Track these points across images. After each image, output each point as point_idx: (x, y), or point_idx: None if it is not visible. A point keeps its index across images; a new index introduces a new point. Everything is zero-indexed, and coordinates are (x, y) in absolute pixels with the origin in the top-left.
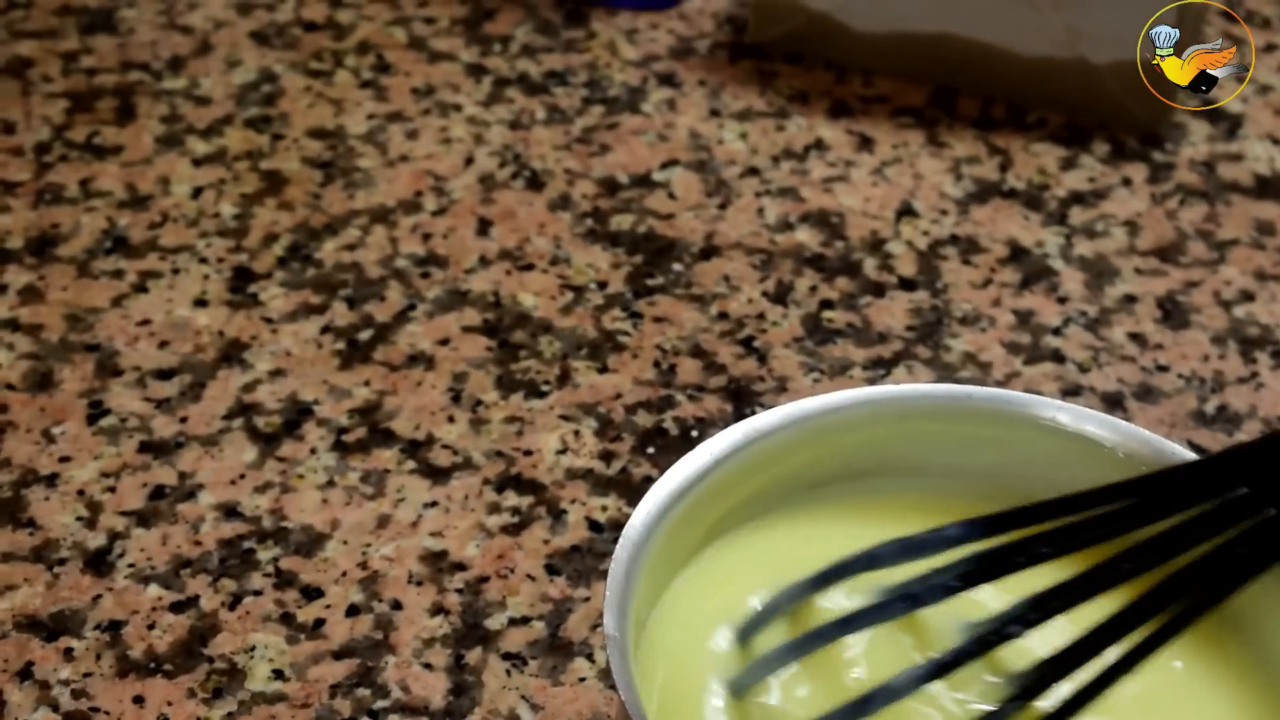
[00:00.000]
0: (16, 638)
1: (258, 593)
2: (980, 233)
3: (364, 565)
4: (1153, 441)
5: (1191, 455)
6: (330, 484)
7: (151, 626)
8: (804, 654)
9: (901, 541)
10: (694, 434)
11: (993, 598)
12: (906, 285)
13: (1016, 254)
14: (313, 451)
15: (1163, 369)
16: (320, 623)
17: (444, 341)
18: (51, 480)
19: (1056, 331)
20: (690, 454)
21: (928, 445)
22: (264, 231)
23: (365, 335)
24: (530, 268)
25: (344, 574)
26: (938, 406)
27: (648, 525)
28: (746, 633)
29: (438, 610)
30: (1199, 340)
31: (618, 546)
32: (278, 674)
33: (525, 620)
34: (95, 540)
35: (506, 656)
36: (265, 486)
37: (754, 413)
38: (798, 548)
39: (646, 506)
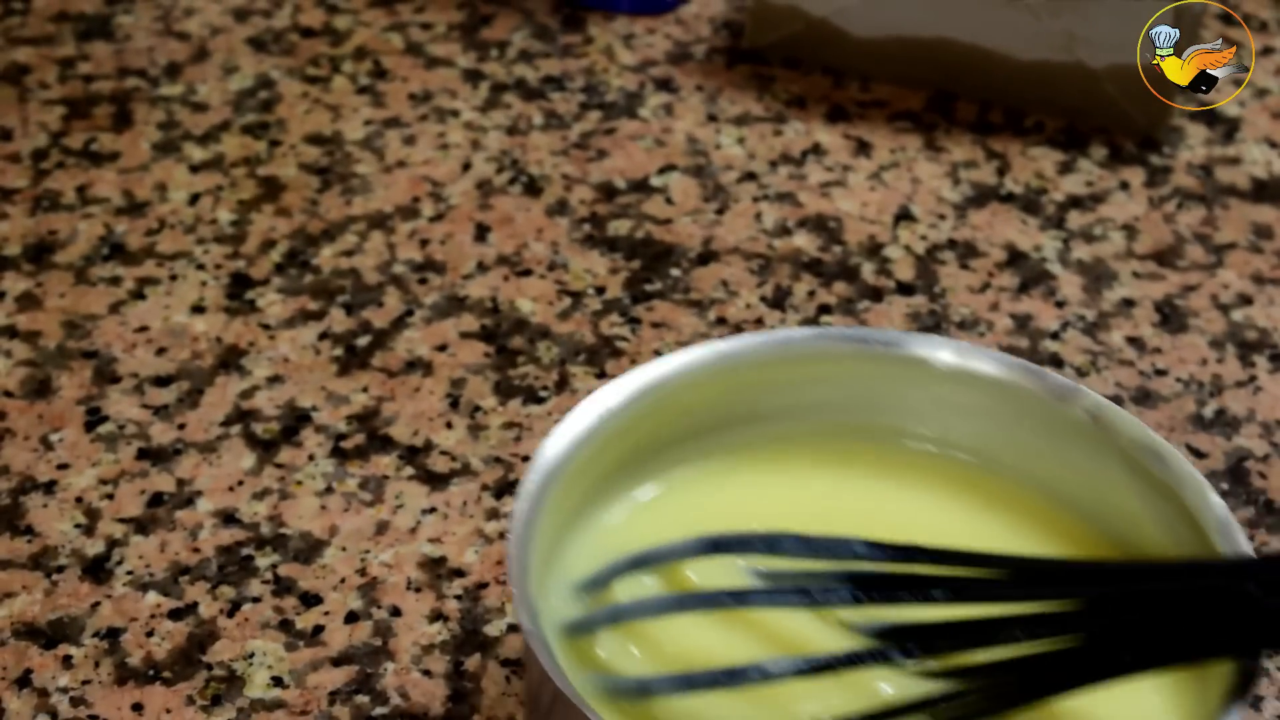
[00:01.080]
0: (15, 645)
1: (256, 600)
2: (978, 237)
3: (363, 572)
4: (992, 357)
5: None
6: (329, 490)
7: (150, 634)
8: (686, 612)
9: (808, 540)
10: None
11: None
12: (904, 290)
13: (1014, 258)
14: (311, 458)
15: (1161, 373)
16: (319, 629)
17: (442, 347)
18: (49, 487)
19: (1055, 336)
20: (547, 441)
21: (760, 393)
22: (261, 238)
23: (363, 341)
24: (528, 273)
25: (343, 580)
26: (759, 355)
27: (526, 518)
28: (598, 584)
29: (437, 617)
30: (1197, 344)
31: (508, 544)
32: (276, 681)
33: None
34: (94, 547)
35: (506, 663)
36: (264, 493)
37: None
38: (658, 518)
39: (523, 503)
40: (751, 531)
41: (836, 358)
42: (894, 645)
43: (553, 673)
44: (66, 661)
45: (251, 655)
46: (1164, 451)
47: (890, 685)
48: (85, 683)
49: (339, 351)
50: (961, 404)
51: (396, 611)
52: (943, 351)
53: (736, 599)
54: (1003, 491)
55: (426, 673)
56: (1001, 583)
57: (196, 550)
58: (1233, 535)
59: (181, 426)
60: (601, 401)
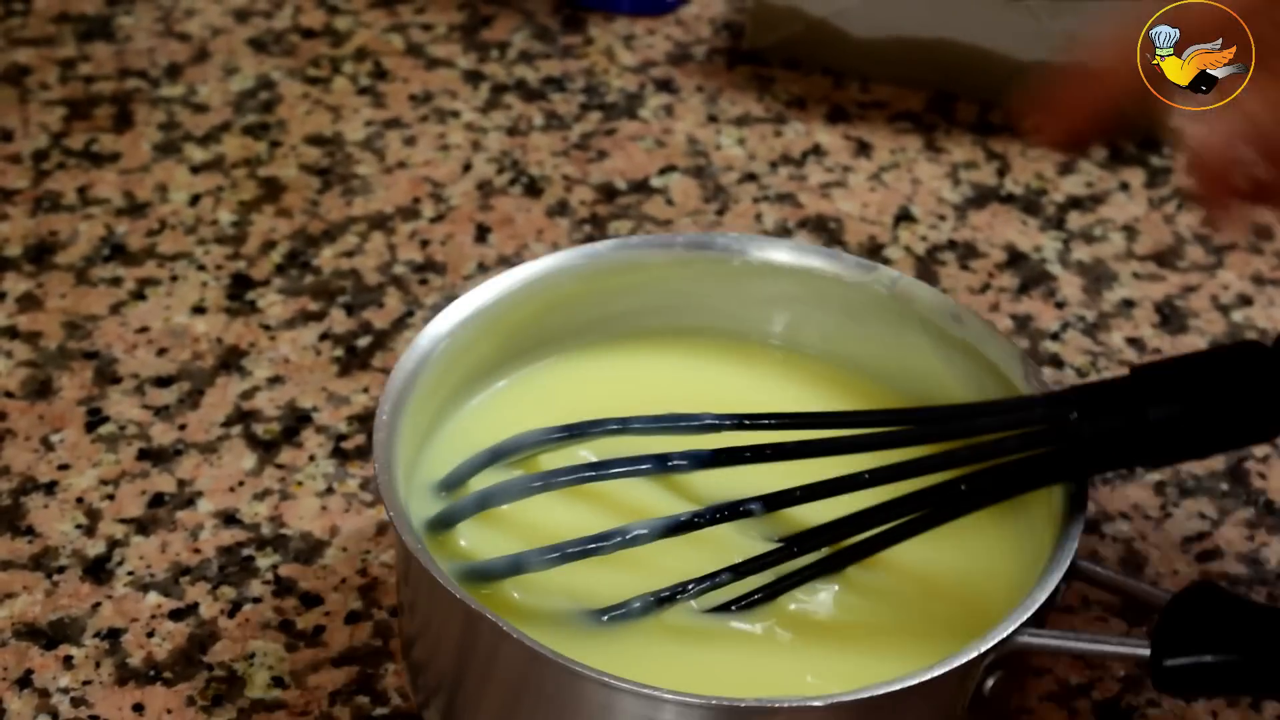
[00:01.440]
0: (16, 645)
1: (257, 600)
2: (978, 238)
3: (363, 572)
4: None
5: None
6: (329, 491)
7: (151, 634)
8: (549, 488)
9: (659, 418)
10: None
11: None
12: None
13: (1014, 259)
14: (311, 458)
15: None
16: (320, 630)
17: None
18: (50, 488)
19: (1055, 336)
20: (394, 370)
21: (580, 304)
22: (262, 238)
23: (364, 342)
24: None
25: (343, 581)
26: (574, 270)
27: (386, 447)
28: (456, 481)
29: None
30: (1197, 344)
31: (375, 469)
32: (277, 681)
33: None
34: (94, 548)
35: None
36: (264, 494)
37: None
38: (513, 406)
39: (380, 432)
40: (604, 417)
41: (645, 265)
42: (750, 501)
43: (425, 562)
44: (67, 662)
45: (252, 656)
46: (960, 312)
47: (742, 551)
48: (86, 683)
49: (339, 352)
50: (769, 294)
51: (397, 612)
52: (746, 247)
53: (598, 470)
54: (820, 372)
55: None
56: (845, 438)
57: (197, 551)
58: (1038, 378)
59: (182, 427)
60: (433, 330)
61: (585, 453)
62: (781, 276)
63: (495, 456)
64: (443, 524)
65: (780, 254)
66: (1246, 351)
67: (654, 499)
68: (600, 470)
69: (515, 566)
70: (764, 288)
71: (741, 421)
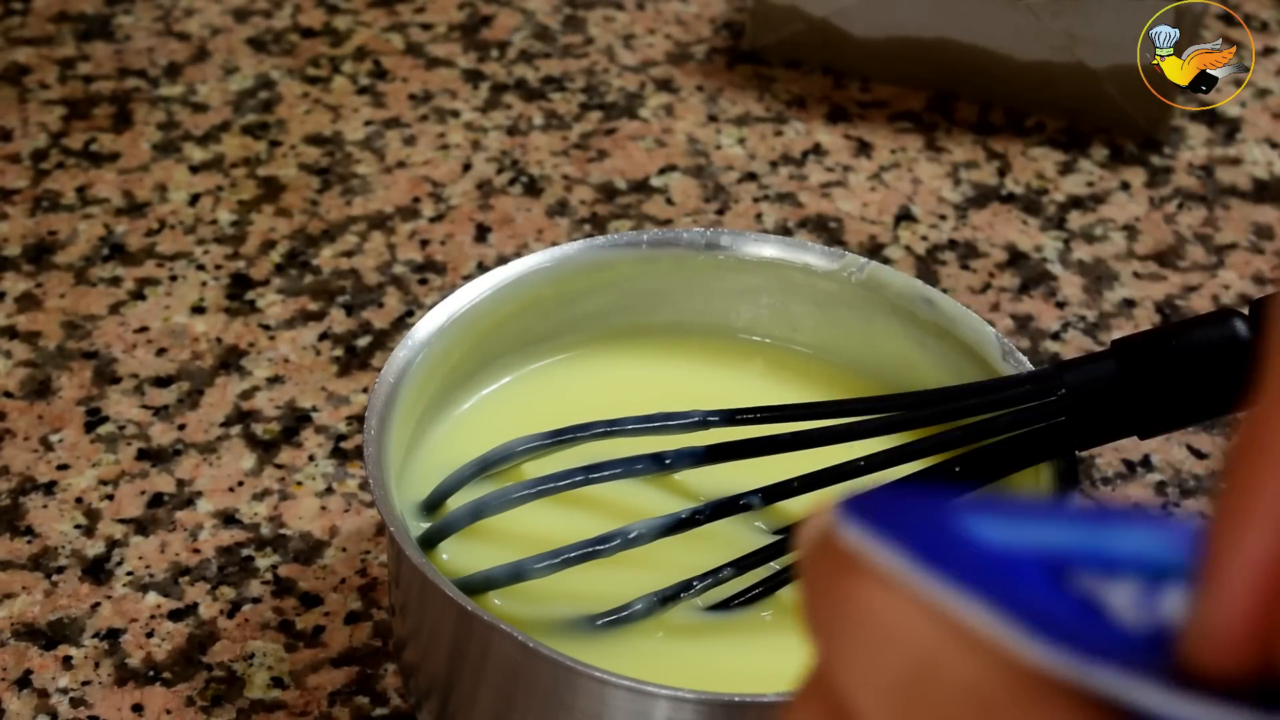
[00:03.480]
0: (15, 646)
1: (256, 600)
2: (979, 237)
3: (363, 572)
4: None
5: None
6: (329, 491)
7: (150, 634)
8: (544, 494)
9: (649, 417)
10: None
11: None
12: None
13: (1015, 258)
14: (311, 458)
15: None
16: (319, 630)
17: None
18: (49, 488)
19: (1055, 336)
20: (378, 381)
21: (545, 310)
22: (261, 238)
23: (363, 342)
24: None
25: (343, 581)
26: (542, 273)
27: (378, 444)
28: (444, 495)
29: None
30: None
31: (371, 480)
32: (276, 682)
33: None
34: (94, 548)
35: None
36: (264, 494)
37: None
38: (502, 410)
39: (370, 448)
40: (592, 420)
41: (613, 264)
42: (750, 495)
43: (430, 572)
44: (66, 662)
45: (251, 656)
46: (932, 295)
47: (737, 544)
48: (85, 683)
49: (339, 352)
50: (738, 287)
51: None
52: (712, 241)
53: (593, 473)
54: (795, 362)
55: None
56: (839, 427)
57: (196, 551)
58: (1016, 357)
59: (181, 427)
60: (412, 340)
61: (574, 457)
62: (748, 269)
63: (484, 466)
64: (437, 537)
65: (747, 246)
66: (1224, 317)
67: (639, 499)
68: (595, 473)
69: (516, 574)
70: (732, 281)
71: (732, 416)
